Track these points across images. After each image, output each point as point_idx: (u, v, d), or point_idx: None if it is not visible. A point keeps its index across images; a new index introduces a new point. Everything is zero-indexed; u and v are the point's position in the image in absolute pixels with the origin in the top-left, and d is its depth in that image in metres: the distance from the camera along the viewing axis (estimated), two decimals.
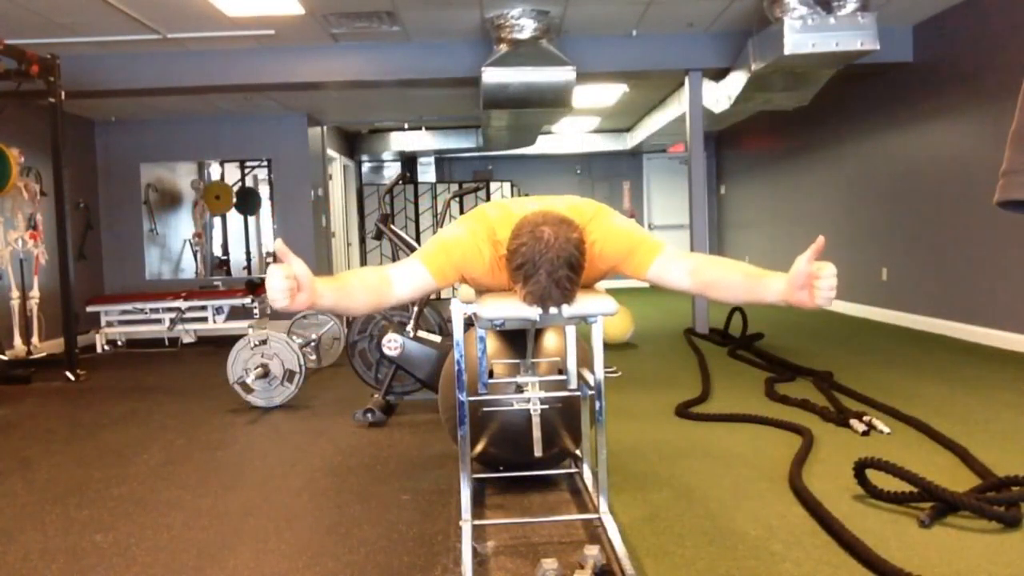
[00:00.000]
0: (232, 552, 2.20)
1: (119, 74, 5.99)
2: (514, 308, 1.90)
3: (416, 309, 3.68)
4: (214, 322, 6.71)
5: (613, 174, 11.73)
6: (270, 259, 8.33)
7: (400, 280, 1.87)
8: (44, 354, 5.97)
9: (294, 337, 5.18)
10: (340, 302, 1.78)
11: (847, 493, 2.45)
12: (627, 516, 2.32)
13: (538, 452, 2.21)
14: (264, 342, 4.05)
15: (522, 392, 2.29)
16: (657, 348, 5.69)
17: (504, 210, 2.02)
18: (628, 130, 10.66)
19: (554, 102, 5.84)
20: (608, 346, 5.55)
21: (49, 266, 6.02)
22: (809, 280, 1.60)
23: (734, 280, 1.79)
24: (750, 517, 2.31)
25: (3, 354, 5.66)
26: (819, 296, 1.60)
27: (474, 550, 2.03)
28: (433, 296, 3.50)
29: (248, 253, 8.77)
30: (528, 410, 2.25)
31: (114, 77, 5.99)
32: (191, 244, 8.30)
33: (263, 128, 7.95)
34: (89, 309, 6.67)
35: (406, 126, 9.76)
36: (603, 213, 2.02)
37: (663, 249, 1.91)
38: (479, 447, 2.54)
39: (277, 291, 1.59)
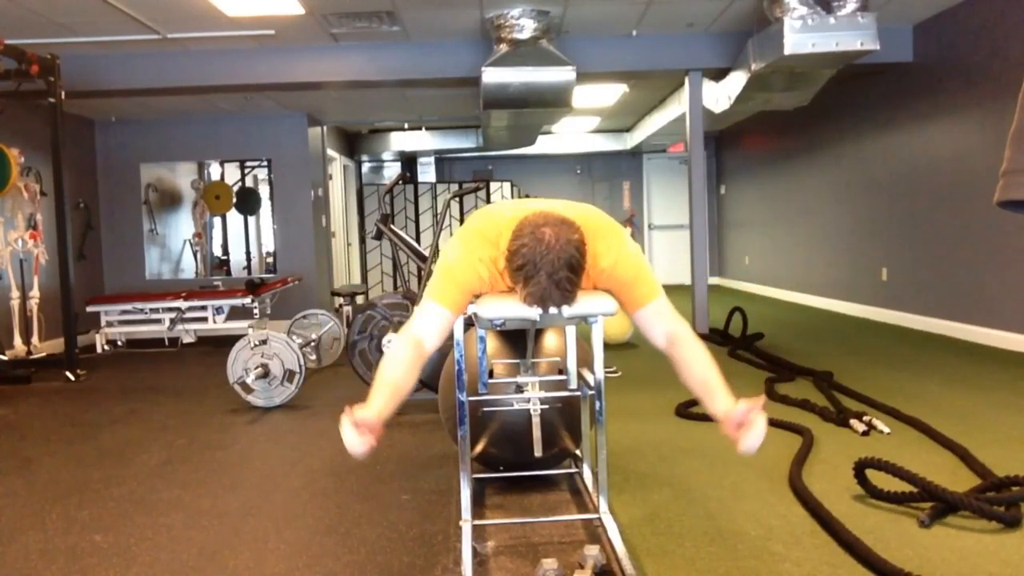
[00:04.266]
0: (232, 552, 2.21)
1: (119, 74, 5.99)
2: (514, 308, 1.90)
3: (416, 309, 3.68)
4: (214, 322, 6.71)
5: (613, 174, 11.72)
6: (270, 259, 8.33)
7: (429, 335, 1.91)
8: (44, 354, 5.97)
9: (294, 337, 5.18)
10: (400, 398, 1.83)
11: (847, 493, 2.45)
12: (627, 516, 2.32)
13: (538, 452, 2.21)
14: (264, 342, 4.05)
15: (522, 392, 2.29)
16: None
17: (501, 217, 1.98)
18: (628, 130, 10.65)
19: (554, 102, 5.83)
20: (608, 346, 5.55)
21: (49, 266, 6.02)
22: (743, 423, 1.70)
23: (694, 374, 1.90)
24: (750, 517, 2.31)
25: (3, 354, 5.66)
26: (745, 441, 1.67)
27: (474, 550, 2.03)
28: None
29: (248, 253, 8.77)
30: (528, 410, 2.25)
31: (114, 77, 5.99)
32: (191, 244, 8.29)
33: (263, 128, 7.95)
34: (89, 309, 6.66)
35: (406, 126, 9.75)
36: (621, 235, 2.01)
37: (660, 296, 1.98)
38: (479, 447, 2.54)
39: (359, 450, 1.65)
